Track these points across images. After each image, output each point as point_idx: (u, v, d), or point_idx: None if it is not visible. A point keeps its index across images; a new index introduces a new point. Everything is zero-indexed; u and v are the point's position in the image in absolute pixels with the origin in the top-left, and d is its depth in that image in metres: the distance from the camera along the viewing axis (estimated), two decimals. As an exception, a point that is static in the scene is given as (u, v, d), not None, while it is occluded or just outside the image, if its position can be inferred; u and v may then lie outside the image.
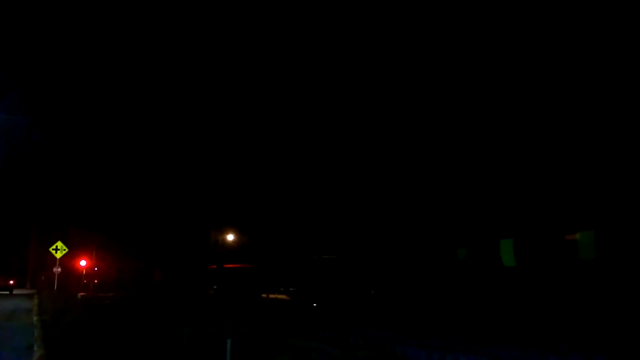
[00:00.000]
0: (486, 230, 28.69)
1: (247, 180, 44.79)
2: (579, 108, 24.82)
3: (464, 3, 30.17)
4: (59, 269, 38.17)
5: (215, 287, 47.10)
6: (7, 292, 43.05)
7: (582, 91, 24.75)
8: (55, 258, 37.47)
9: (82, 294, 41.03)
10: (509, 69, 27.63)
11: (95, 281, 59.44)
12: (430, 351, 13.57)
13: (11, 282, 45.81)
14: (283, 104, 39.56)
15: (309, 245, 40.12)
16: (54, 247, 37.20)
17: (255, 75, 38.43)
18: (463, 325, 21.08)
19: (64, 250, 37.43)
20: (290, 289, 42.22)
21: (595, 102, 24.42)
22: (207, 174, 47.57)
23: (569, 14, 26.28)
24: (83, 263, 53.56)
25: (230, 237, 50.71)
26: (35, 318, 18.65)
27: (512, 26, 28.45)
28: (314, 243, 39.73)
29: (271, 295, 44.83)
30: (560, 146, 26.10)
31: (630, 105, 23.52)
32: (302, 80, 37.26)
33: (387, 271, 35.71)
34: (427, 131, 33.13)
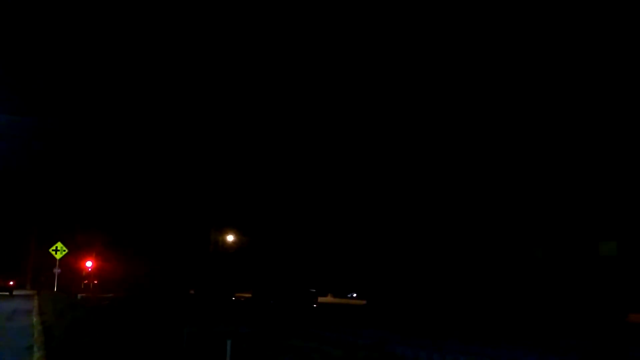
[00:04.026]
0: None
1: (247, 181, 44.76)
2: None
3: (464, 3, 30.16)
4: (59, 270, 38.15)
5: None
6: (7, 293, 42.99)
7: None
8: (55, 259, 37.45)
9: (82, 294, 41.00)
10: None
11: (95, 282, 59.39)
12: (430, 351, 13.56)
13: (11, 282, 45.73)
14: (283, 105, 39.56)
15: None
16: (53, 248, 37.18)
17: (255, 75, 38.40)
18: (464, 326, 21.07)
19: (64, 251, 37.41)
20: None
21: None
22: (207, 175, 47.55)
23: (569, 14, 26.26)
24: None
25: (230, 238, 50.69)
26: (35, 319, 18.63)
27: (514, 26, 28.44)
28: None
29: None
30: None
31: None
32: (302, 80, 37.24)
33: (386, 271, 35.68)
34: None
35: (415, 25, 31.49)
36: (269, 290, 40.51)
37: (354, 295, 54.69)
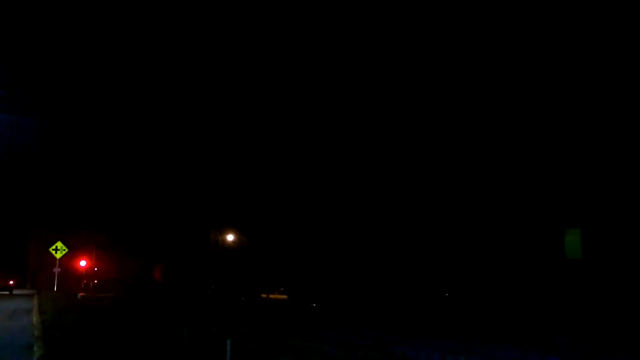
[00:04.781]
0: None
1: (247, 181, 44.81)
2: None
3: (464, 3, 30.18)
4: (59, 269, 38.19)
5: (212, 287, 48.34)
6: (7, 292, 43.02)
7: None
8: (55, 258, 37.48)
9: (82, 294, 41.03)
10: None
11: (95, 281, 59.42)
12: (430, 351, 13.57)
13: (11, 282, 45.75)
14: (283, 105, 39.59)
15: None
16: (53, 247, 37.24)
17: (255, 75, 38.43)
18: (465, 326, 21.08)
19: (64, 250, 37.47)
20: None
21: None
22: (207, 175, 47.59)
23: (569, 14, 26.29)
24: (83, 263, 53.55)
25: (230, 238, 50.70)
26: (35, 318, 18.65)
27: (513, 26, 28.46)
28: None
29: None
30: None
31: None
32: (302, 81, 37.26)
33: (386, 271, 35.70)
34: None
35: (415, 25, 31.54)
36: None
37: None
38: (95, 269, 57.22)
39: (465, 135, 30.80)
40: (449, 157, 31.94)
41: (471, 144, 30.61)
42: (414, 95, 32.83)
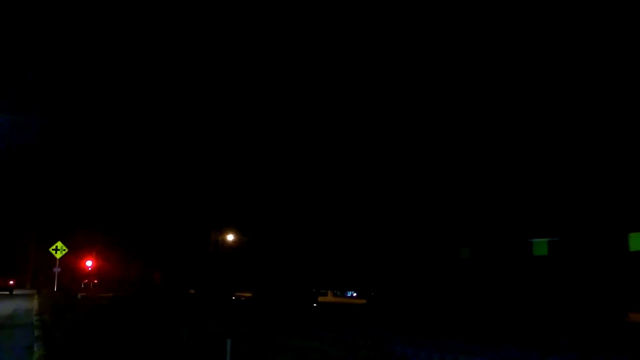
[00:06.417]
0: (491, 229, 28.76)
1: (246, 181, 44.79)
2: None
3: (464, 3, 30.17)
4: (59, 269, 38.22)
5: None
6: (7, 292, 43.05)
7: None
8: (55, 258, 37.51)
9: (82, 294, 41.08)
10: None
11: (95, 281, 59.50)
12: (430, 351, 13.55)
13: (11, 282, 45.80)
14: (282, 105, 39.58)
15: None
16: (53, 247, 37.26)
17: (254, 75, 38.44)
18: (463, 326, 21.09)
19: (64, 250, 37.49)
20: None
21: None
22: (206, 174, 47.57)
23: (569, 14, 26.28)
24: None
25: (230, 238, 50.67)
26: (35, 318, 18.65)
27: (512, 26, 28.44)
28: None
29: None
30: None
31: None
32: (302, 80, 37.26)
33: (387, 271, 35.71)
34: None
35: (414, 24, 31.52)
36: (270, 289, 40.80)
37: (354, 294, 54.84)
38: (90, 268, 57.32)
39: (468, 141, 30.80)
40: (450, 159, 31.93)
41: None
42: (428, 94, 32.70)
